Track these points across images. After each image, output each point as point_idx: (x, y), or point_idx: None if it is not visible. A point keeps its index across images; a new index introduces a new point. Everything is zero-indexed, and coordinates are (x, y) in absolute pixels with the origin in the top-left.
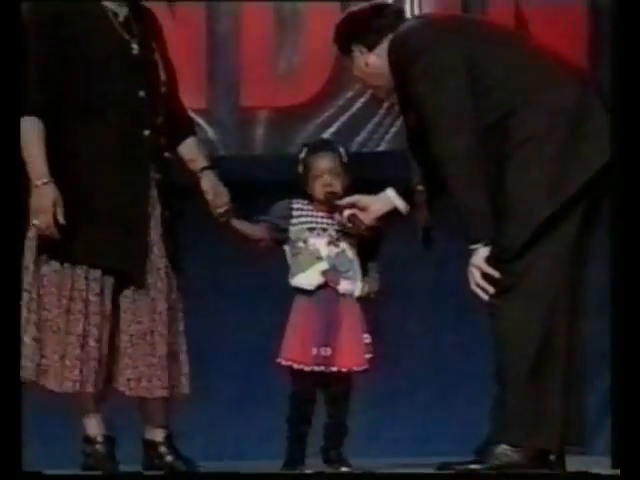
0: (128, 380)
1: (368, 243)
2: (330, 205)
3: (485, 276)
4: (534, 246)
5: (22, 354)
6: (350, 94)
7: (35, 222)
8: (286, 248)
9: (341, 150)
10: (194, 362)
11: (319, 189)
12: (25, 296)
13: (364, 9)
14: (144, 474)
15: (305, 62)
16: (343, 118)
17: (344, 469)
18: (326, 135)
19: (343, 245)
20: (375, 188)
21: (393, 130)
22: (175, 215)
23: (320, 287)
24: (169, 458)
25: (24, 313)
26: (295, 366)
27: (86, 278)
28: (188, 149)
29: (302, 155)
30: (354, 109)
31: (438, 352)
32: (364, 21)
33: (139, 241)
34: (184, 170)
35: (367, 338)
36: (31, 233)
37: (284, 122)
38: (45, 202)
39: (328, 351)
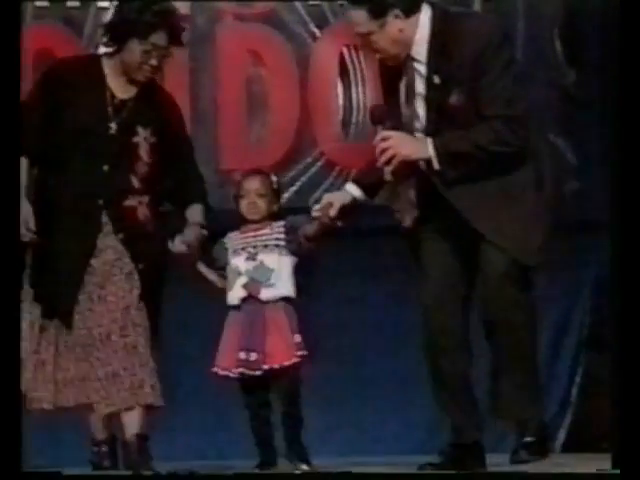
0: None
1: None
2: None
3: None
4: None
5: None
6: (308, 160)
7: None
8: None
9: (272, 177)
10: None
11: (244, 207)
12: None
13: None
14: (144, 474)
15: (271, 134)
16: (303, 179)
17: (303, 467)
18: (289, 193)
19: (261, 257)
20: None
21: None
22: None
23: (245, 299)
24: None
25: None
26: (220, 372)
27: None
28: (191, 212)
29: (236, 179)
30: (311, 172)
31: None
32: None
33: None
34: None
35: (297, 337)
36: None
37: None
38: None
39: (253, 356)
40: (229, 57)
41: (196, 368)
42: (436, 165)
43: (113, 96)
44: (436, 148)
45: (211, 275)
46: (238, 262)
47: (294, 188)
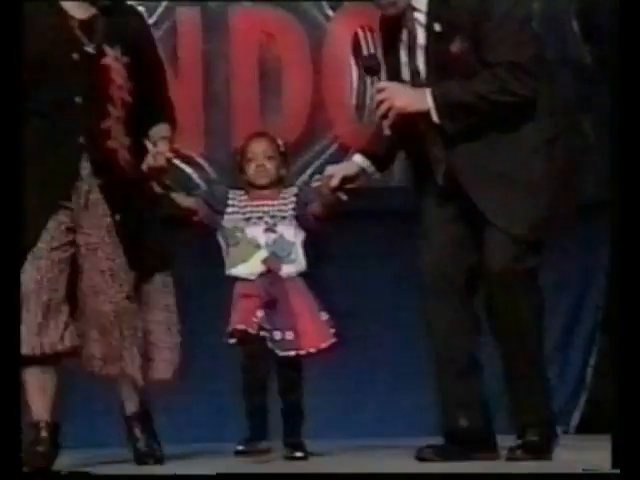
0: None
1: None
2: (261, 184)
3: None
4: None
5: None
6: (323, 143)
7: None
8: (220, 239)
9: (279, 141)
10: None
11: (252, 170)
12: None
13: None
14: (152, 475)
15: (284, 117)
16: (317, 162)
17: (298, 454)
18: (303, 176)
19: (280, 229)
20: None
21: None
22: (129, 219)
23: (261, 274)
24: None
25: None
26: (239, 327)
27: None
28: (157, 129)
29: (240, 144)
30: (326, 155)
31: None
32: None
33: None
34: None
35: (324, 315)
36: None
37: None
38: None
39: (278, 335)
40: (242, 39)
41: (201, 346)
42: (435, 118)
43: (70, 17)
44: (435, 98)
45: (183, 200)
46: (256, 233)
47: (308, 171)
